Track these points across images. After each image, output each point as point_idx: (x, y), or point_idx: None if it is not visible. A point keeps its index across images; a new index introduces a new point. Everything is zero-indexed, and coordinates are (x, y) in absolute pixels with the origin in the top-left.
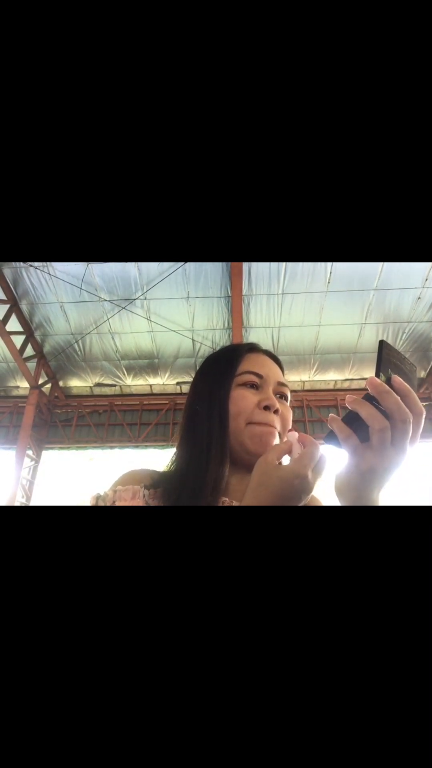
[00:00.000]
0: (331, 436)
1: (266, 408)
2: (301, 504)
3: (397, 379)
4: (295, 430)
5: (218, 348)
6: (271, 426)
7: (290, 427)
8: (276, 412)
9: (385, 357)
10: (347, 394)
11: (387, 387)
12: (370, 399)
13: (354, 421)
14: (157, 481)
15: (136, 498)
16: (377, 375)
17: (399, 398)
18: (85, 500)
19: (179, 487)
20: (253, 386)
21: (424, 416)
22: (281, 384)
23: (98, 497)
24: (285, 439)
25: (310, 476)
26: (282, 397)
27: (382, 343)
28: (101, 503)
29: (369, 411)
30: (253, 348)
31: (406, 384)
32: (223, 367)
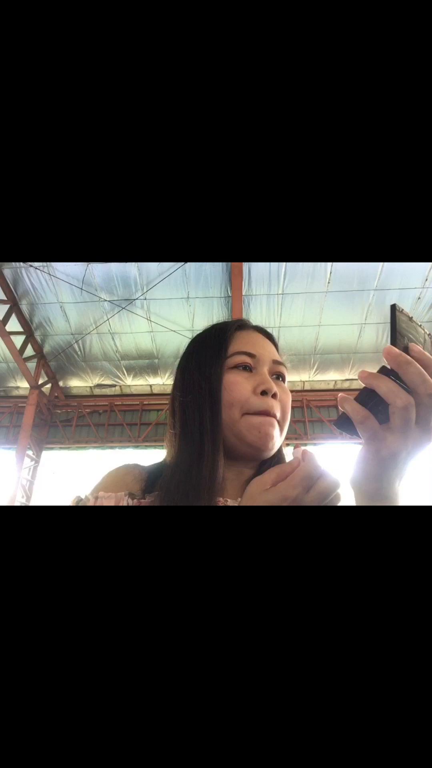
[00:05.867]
0: (343, 420)
1: (263, 393)
2: None
3: (415, 347)
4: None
5: (204, 329)
6: (271, 414)
7: (289, 408)
8: (274, 396)
9: (400, 323)
10: (361, 370)
11: (407, 356)
12: (387, 372)
13: (370, 400)
14: (146, 486)
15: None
16: (393, 344)
17: (422, 369)
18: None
19: (172, 490)
20: (246, 368)
21: None
22: (277, 363)
23: (79, 501)
24: (292, 459)
25: (304, 499)
26: (279, 377)
27: (394, 308)
28: None
29: (389, 386)
30: (242, 325)
31: (426, 353)
32: (211, 349)
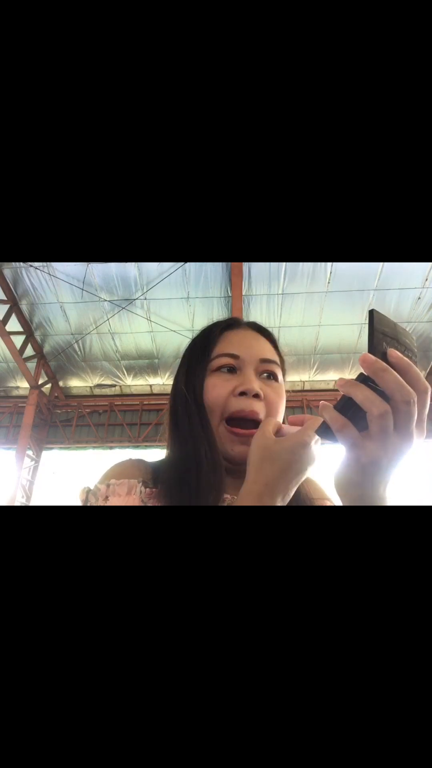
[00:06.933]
0: (324, 429)
1: (242, 394)
2: (306, 475)
3: (393, 353)
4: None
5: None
6: (251, 417)
7: (281, 409)
8: (257, 396)
9: (378, 329)
10: (339, 377)
11: (383, 364)
12: (365, 380)
13: (349, 408)
14: (154, 478)
15: (132, 494)
16: (370, 351)
17: (398, 376)
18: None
19: (174, 490)
20: (230, 369)
21: (430, 393)
22: (266, 361)
23: (88, 491)
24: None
25: (314, 445)
26: (270, 376)
27: (372, 314)
28: (92, 498)
29: (365, 394)
30: (231, 324)
31: (405, 358)
32: (197, 353)
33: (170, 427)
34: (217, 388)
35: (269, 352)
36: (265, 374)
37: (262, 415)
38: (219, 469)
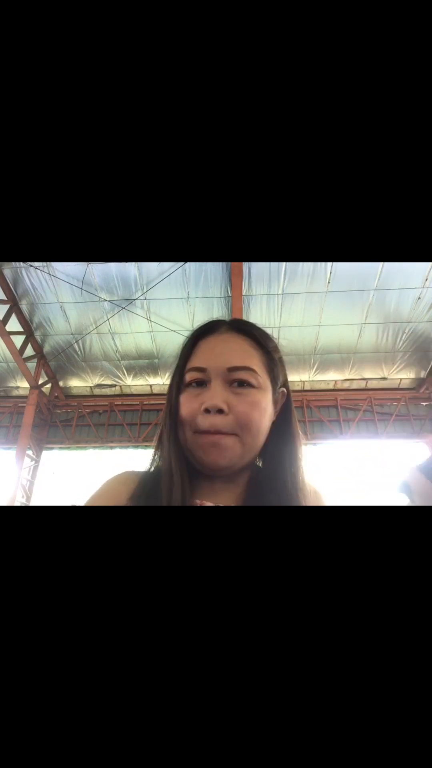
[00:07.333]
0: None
1: (207, 411)
2: None
3: None
4: None
5: None
6: (214, 433)
7: (256, 417)
8: (221, 411)
9: None
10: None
11: None
12: None
13: None
14: (139, 492)
15: None
16: None
17: None
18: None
19: (142, 502)
20: (199, 383)
21: None
22: (234, 369)
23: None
24: None
25: None
26: (241, 384)
27: None
28: None
29: None
30: (206, 330)
31: None
32: (175, 366)
33: (158, 436)
34: (186, 405)
35: (240, 358)
36: (236, 383)
37: (229, 428)
38: (184, 484)
